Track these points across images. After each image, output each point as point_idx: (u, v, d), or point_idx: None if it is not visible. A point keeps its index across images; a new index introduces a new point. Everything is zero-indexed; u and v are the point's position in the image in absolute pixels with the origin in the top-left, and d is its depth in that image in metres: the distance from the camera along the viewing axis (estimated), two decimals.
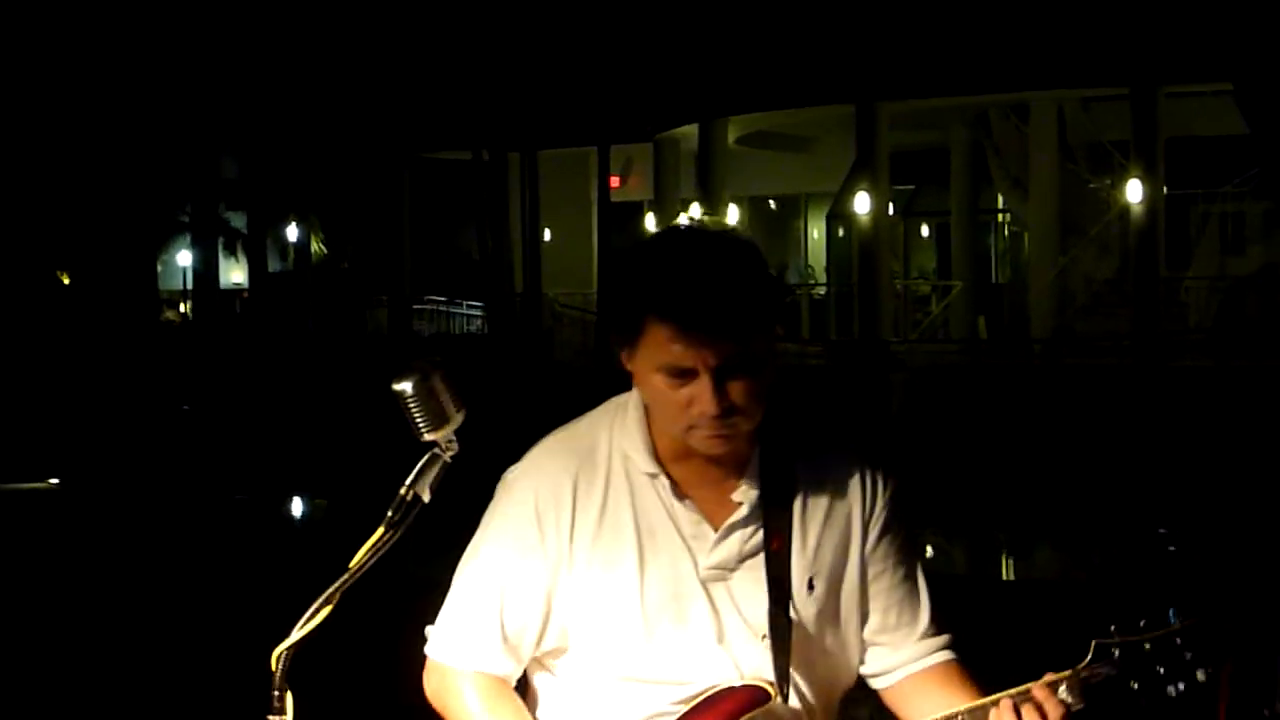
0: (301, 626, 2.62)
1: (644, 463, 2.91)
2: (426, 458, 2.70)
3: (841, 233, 38.01)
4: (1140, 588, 13.47)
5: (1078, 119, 32.18)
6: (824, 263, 41.00)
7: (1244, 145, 30.58)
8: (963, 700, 2.94)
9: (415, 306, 41.23)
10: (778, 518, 2.91)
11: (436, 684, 3.02)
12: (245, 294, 46.27)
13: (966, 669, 3.05)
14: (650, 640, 2.90)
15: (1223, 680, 2.83)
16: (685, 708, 2.90)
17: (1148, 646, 2.81)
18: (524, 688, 3.06)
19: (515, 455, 3.00)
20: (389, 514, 2.68)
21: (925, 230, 40.22)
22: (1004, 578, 16.79)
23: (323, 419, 28.35)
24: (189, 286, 46.01)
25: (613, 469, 2.93)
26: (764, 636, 2.89)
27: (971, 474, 20.88)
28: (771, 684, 2.89)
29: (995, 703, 2.84)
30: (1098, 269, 31.81)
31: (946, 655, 3.04)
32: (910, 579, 3.03)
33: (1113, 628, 2.83)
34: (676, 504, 2.90)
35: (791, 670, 2.91)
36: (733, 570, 2.91)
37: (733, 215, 36.76)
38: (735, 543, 2.91)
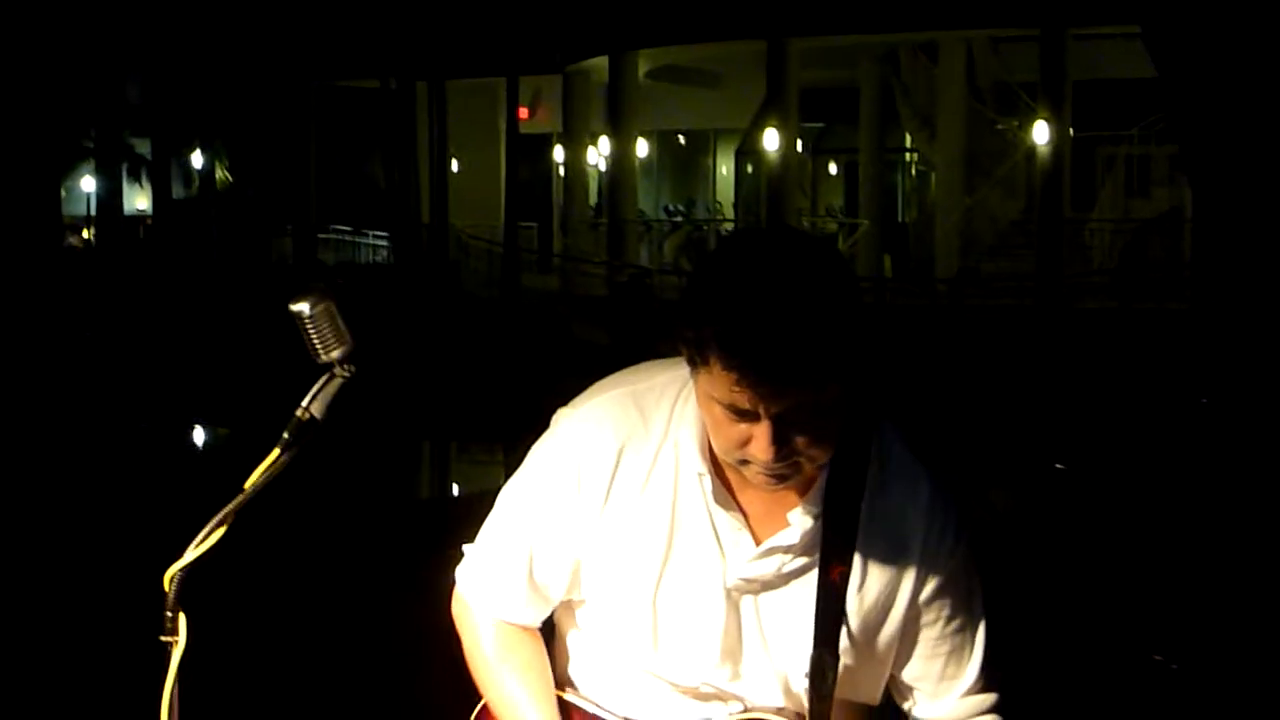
0: (195, 547, 2.60)
1: (694, 460, 2.70)
2: (323, 379, 2.68)
3: (750, 169, 38.10)
4: (1038, 526, 13.63)
5: (986, 59, 32.34)
6: (732, 199, 41.06)
7: (1150, 89, 30.73)
8: None
9: (320, 235, 41.08)
10: (838, 546, 2.71)
11: (460, 614, 2.95)
12: (148, 221, 45.89)
13: None
14: (656, 639, 2.78)
15: None
16: (695, 702, 2.82)
17: None
18: (557, 639, 2.98)
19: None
20: (284, 435, 2.66)
21: (833, 168, 40.37)
22: None
23: (226, 347, 28.21)
24: (92, 213, 45.57)
25: (664, 449, 2.74)
26: (805, 674, 2.74)
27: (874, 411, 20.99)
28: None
29: None
30: (1003, 210, 32.06)
31: None
32: (964, 634, 2.83)
33: None
34: (719, 508, 2.70)
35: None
36: (757, 590, 2.74)
37: (642, 149, 36.80)
38: (774, 563, 2.71)
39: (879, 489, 2.72)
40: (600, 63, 34.19)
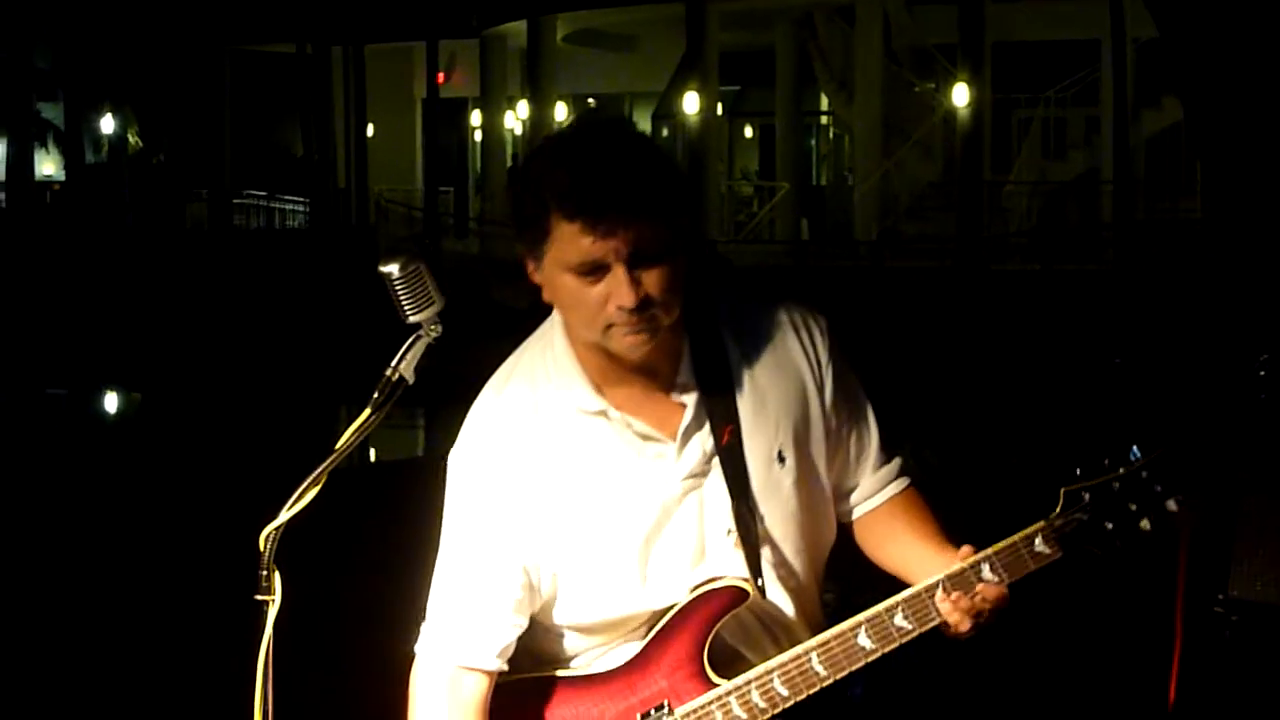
0: (289, 508, 2.61)
1: (588, 400, 2.82)
2: (411, 340, 2.70)
3: (666, 133, 38.07)
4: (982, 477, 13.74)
5: (902, 22, 32.39)
6: None
7: (1065, 51, 31.07)
8: (915, 530, 3.00)
9: (235, 201, 40.79)
10: (720, 408, 2.83)
11: (415, 682, 2.91)
12: (56, 186, 45.38)
13: (917, 493, 3.07)
14: (643, 577, 2.85)
15: (1183, 531, 2.88)
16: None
17: (1116, 485, 2.83)
18: (534, 632, 2.97)
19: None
20: (374, 395, 2.68)
21: (749, 132, 40.36)
22: None
23: (140, 311, 28.01)
24: None
25: (559, 417, 2.83)
26: (729, 531, 2.83)
27: None
28: (748, 580, 2.82)
29: (931, 591, 2.82)
30: (922, 172, 32.13)
31: (897, 486, 3.05)
32: (860, 412, 3.03)
33: (1078, 471, 2.84)
34: (630, 432, 2.81)
35: (772, 549, 2.88)
36: (705, 474, 2.83)
37: (560, 113, 36.69)
38: (696, 445, 2.83)
39: (741, 333, 2.90)
40: (517, 27, 34.07)
